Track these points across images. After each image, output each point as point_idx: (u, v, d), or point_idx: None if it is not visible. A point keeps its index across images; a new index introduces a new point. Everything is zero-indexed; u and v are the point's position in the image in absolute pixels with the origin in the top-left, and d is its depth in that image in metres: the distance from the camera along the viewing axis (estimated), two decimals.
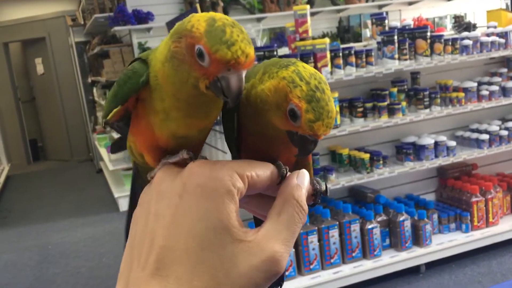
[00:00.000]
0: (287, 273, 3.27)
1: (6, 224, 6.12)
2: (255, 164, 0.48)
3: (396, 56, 3.44)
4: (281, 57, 3.22)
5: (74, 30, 8.15)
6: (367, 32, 5.90)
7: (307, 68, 0.49)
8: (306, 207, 0.48)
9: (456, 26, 4.54)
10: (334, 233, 3.35)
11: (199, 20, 0.45)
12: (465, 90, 3.75)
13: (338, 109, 3.37)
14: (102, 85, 6.96)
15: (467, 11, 6.61)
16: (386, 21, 3.82)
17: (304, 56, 3.22)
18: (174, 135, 0.51)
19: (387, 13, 5.46)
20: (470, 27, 4.33)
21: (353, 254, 3.43)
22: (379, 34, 3.55)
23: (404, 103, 3.52)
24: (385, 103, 3.48)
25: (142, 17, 5.33)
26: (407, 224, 3.49)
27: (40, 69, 10.06)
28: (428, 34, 3.53)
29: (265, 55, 3.20)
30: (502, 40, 3.82)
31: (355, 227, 3.39)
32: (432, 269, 3.61)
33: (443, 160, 3.65)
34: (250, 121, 0.53)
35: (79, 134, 9.63)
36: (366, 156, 3.41)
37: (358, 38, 6.17)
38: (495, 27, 4.02)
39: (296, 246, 3.29)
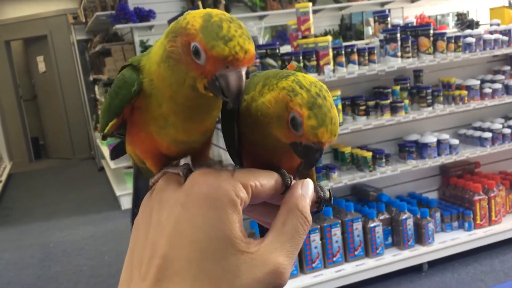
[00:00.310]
0: None
1: (8, 223, 6.12)
2: (259, 173, 0.47)
3: (399, 54, 3.43)
4: (283, 55, 3.22)
5: (76, 28, 8.14)
6: (369, 30, 5.89)
7: (307, 77, 0.48)
8: (310, 218, 0.47)
9: (459, 23, 4.53)
10: (337, 232, 3.34)
11: (194, 16, 0.43)
12: (468, 88, 3.73)
13: (340, 107, 3.36)
14: (103, 83, 6.96)
15: (470, 9, 6.58)
16: (389, 19, 3.81)
17: (306, 54, 3.21)
18: (175, 141, 0.50)
19: (389, 10, 5.44)
20: (473, 24, 4.31)
21: (356, 253, 3.42)
22: (382, 32, 3.54)
23: (406, 101, 3.51)
24: (388, 101, 3.47)
25: (144, 15, 5.32)
26: (410, 222, 3.48)
27: (41, 67, 10.06)
28: (431, 31, 3.52)
29: (267, 53, 3.19)
30: (505, 38, 3.80)
31: (358, 226, 3.39)
32: (434, 267, 3.60)
33: (446, 159, 3.64)
34: (250, 132, 0.51)
35: (81, 132, 9.64)
36: (369, 154, 3.40)
37: (360, 36, 6.15)
38: (498, 24, 4.00)
39: None
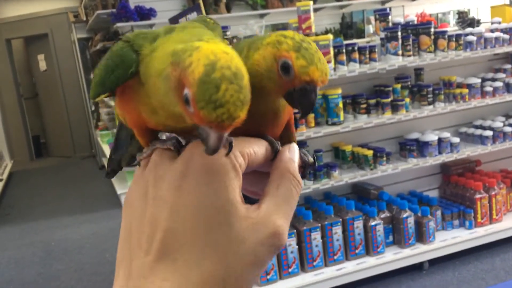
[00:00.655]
0: (290, 270, 3.28)
1: (9, 221, 6.14)
2: (251, 141, 0.48)
3: (400, 52, 3.43)
4: None
5: (77, 26, 8.13)
6: (370, 28, 5.89)
7: (290, 32, 0.49)
8: (301, 181, 0.48)
9: (460, 22, 4.52)
10: (337, 230, 3.34)
11: (199, 60, 0.41)
12: (469, 86, 3.73)
13: (341, 105, 3.36)
14: None
15: (471, 7, 6.57)
16: (390, 17, 3.80)
17: None
18: (164, 124, 0.49)
19: (390, 9, 5.43)
20: (474, 23, 4.30)
21: (356, 251, 3.42)
22: (383, 30, 3.53)
23: (407, 100, 3.51)
24: (389, 100, 3.47)
25: (144, 13, 5.32)
26: (411, 220, 3.48)
27: (42, 65, 10.06)
28: (432, 30, 3.52)
29: None
30: (507, 36, 3.80)
31: (358, 224, 3.39)
32: (435, 266, 3.61)
33: (447, 157, 3.64)
34: None
35: (82, 130, 9.64)
36: (370, 152, 3.41)
37: (361, 34, 6.15)
38: (499, 23, 3.99)
39: (299, 242, 3.29)
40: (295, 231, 3.26)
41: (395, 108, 3.47)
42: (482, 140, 3.78)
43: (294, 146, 0.50)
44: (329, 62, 3.22)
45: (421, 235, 3.55)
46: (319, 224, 3.31)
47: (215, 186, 0.43)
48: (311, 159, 0.52)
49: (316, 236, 3.30)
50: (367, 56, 3.38)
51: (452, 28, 5.20)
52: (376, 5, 6.18)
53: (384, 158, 3.45)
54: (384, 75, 3.65)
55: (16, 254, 4.95)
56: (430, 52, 3.51)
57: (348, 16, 6.38)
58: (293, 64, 0.46)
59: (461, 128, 4.00)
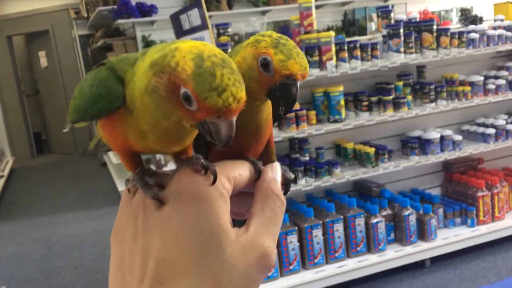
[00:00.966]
0: (291, 267, 3.27)
1: (11, 217, 6.14)
2: (235, 164, 0.49)
3: (402, 49, 3.41)
4: None
5: (78, 23, 8.12)
6: (372, 25, 5.86)
7: (268, 31, 0.50)
8: (284, 200, 0.49)
9: (462, 19, 4.50)
10: (339, 227, 3.34)
11: (184, 58, 0.41)
12: (472, 84, 3.72)
13: (343, 102, 3.35)
14: None
15: (474, 4, 6.55)
16: (392, 14, 3.78)
17: (309, 50, 3.19)
18: (151, 149, 0.49)
19: (392, 6, 5.40)
20: (477, 20, 4.28)
21: (358, 249, 3.42)
22: (385, 27, 3.52)
23: (409, 97, 3.50)
24: (391, 97, 3.46)
25: (145, 10, 5.31)
26: (412, 218, 3.47)
27: (43, 62, 10.05)
28: (434, 27, 3.50)
29: None
30: (509, 34, 3.78)
31: (360, 221, 3.38)
32: (437, 263, 3.60)
33: (449, 155, 3.63)
34: None
35: (83, 127, 9.62)
36: (371, 150, 3.40)
37: (363, 31, 6.13)
38: (502, 20, 3.98)
39: (300, 240, 3.29)
40: (296, 228, 3.25)
41: (397, 105, 3.46)
42: (484, 138, 3.77)
43: (277, 165, 0.51)
44: (330, 59, 3.21)
45: (422, 233, 3.54)
46: (321, 222, 3.30)
47: (204, 214, 0.44)
48: (292, 176, 0.53)
49: (318, 234, 3.29)
50: (369, 53, 3.37)
51: (454, 25, 5.18)
52: (378, 2, 6.17)
53: (386, 156, 3.44)
54: (386, 73, 3.64)
55: (17, 250, 4.95)
56: (432, 49, 3.50)
57: (350, 13, 6.36)
58: (272, 59, 0.47)
59: (463, 126, 3.99)
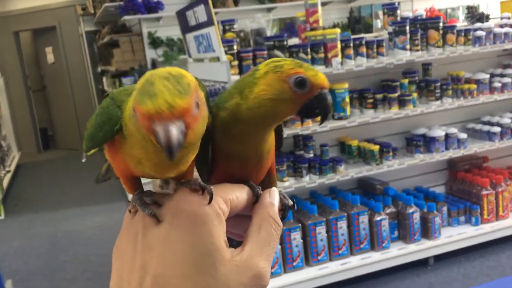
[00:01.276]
0: (294, 263, 3.28)
1: (17, 212, 6.18)
2: (233, 187, 0.51)
3: (408, 47, 3.41)
4: (291, 47, 3.21)
5: (84, 19, 8.15)
6: (378, 23, 5.85)
7: (275, 58, 0.53)
8: (281, 224, 0.51)
9: (469, 16, 4.48)
10: (343, 225, 3.34)
11: (141, 81, 0.44)
12: (477, 82, 3.70)
13: (348, 100, 3.35)
14: (112, 75, 6.97)
15: (480, 2, 6.51)
16: (398, 12, 3.77)
17: (314, 46, 3.19)
18: (148, 174, 0.51)
19: (398, 3, 5.39)
20: (483, 18, 4.27)
21: (361, 246, 3.42)
22: (391, 25, 3.51)
23: (415, 95, 3.49)
24: (396, 95, 3.45)
25: (152, 6, 5.32)
26: (416, 216, 3.47)
27: (50, 58, 10.09)
28: (441, 24, 3.49)
29: (275, 45, 3.18)
30: None
31: (364, 219, 3.38)
32: (440, 262, 3.59)
33: (454, 153, 3.62)
34: (230, 144, 0.53)
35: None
36: (376, 147, 3.39)
37: (369, 28, 6.12)
38: (508, 18, 3.96)
39: (304, 236, 3.29)
40: (300, 225, 3.26)
41: (402, 103, 3.45)
42: (489, 136, 3.75)
43: (275, 190, 0.53)
44: (336, 56, 3.21)
45: (426, 231, 3.54)
46: (324, 219, 3.30)
47: (200, 233, 0.45)
48: (290, 202, 0.56)
49: (321, 231, 3.30)
50: (375, 50, 3.36)
51: (461, 23, 5.16)
52: (384, 0, 6.14)
53: (391, 153, 3.43)
54: (391, 70, 3.63)
55: (23, 244, 4.99)
56: (438, 47, 3.48)
57: (356, 11, 6.34)
58: (307, 75, 0.50)
59: (468, 124, 3.98)
